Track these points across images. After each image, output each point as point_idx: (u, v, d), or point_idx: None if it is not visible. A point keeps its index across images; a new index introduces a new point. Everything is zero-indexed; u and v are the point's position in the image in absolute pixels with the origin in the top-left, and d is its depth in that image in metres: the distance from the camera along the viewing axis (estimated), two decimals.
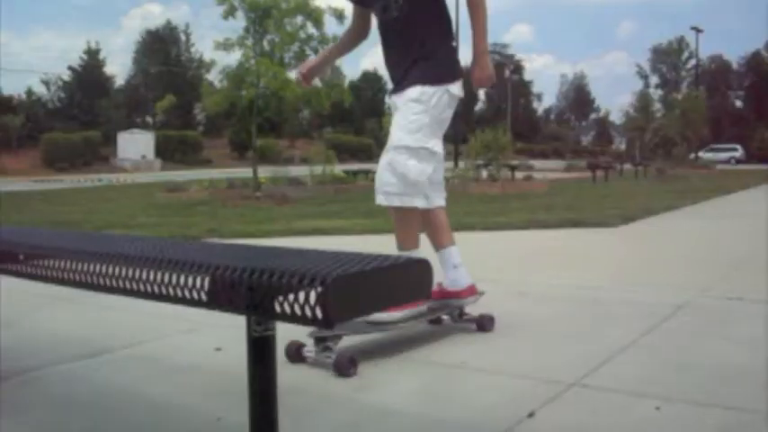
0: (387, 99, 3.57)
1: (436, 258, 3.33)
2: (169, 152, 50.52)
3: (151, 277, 1.73)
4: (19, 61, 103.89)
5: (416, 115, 3.24)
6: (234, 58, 16.01)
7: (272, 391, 1.75)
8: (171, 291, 1.69)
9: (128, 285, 1.79)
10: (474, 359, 3.03)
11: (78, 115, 56.89)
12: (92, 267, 1.89)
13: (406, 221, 3.33)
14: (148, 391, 2.71)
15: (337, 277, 1.42)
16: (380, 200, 3.31)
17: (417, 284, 1.67)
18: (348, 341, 3.06)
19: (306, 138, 63.39)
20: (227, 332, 3.38)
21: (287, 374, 2.56)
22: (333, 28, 28.12)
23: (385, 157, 3.30)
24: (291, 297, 1.47)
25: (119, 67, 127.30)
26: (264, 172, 17.20)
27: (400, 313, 3.13)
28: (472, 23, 3.36)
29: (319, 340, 2.92)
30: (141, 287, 1.75)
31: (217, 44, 16.01)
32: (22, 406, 2.59)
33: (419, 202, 3.30)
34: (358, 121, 68.42)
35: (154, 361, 3.14)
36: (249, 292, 1.54)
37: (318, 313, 1.41)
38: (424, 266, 1.68)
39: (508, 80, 76.80)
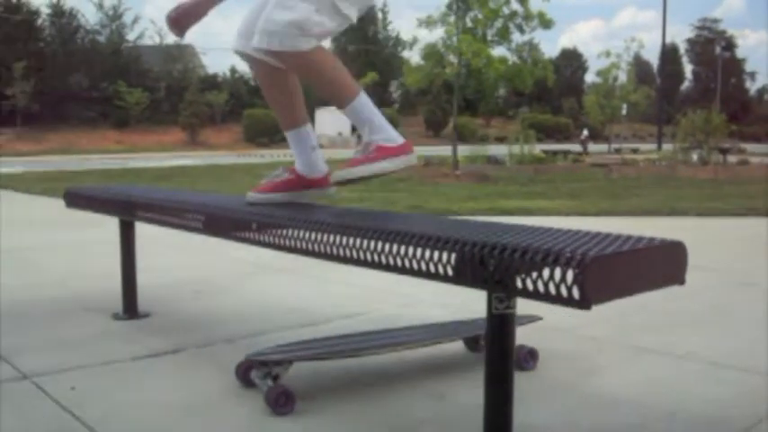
0: None
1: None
2: None
3: (394, 250, 1.73)
4: (221, 41, 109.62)
5: None
6: (435, 35, 16.17)
7: (509, 370, 1.72)
8: (415, 264, 1.69)
9: (369, 258, 1.81)
10: (702, 350, 2.88)
11: None
12: (333, 239, 1.92)
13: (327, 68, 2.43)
14: (367, 363, 2.72)
15: (596, 257, 1.36)
16: (259, 42, 2.35)
17: (672, 268, 1.57)
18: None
19: (501, 116, 62.83)
20: (439, 310, 3.39)
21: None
22: (537, 3, 27.64)
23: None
24: (545, 275, 1.42)
25: None
26: (460, 150, 17.18)
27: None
28: None
29: (262, 365, 2.34)
30: (385, 260, 1.76)
31: (419, 21, 16.27)
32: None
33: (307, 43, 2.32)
34: (555, 100, 66.97)
35: None
36: (497, 268, 1.51)
37: (575, 294, 1.36)
38: (679, 249, 1.58)
39: (718, 57, 72.37)
